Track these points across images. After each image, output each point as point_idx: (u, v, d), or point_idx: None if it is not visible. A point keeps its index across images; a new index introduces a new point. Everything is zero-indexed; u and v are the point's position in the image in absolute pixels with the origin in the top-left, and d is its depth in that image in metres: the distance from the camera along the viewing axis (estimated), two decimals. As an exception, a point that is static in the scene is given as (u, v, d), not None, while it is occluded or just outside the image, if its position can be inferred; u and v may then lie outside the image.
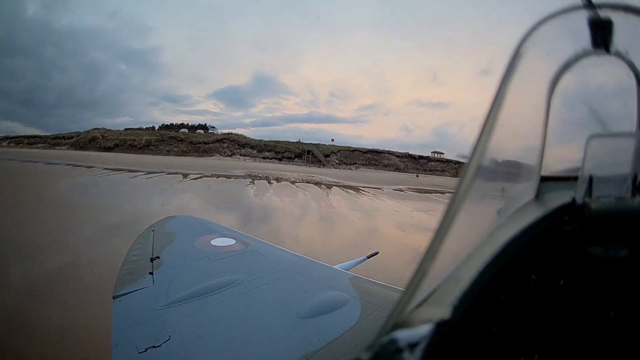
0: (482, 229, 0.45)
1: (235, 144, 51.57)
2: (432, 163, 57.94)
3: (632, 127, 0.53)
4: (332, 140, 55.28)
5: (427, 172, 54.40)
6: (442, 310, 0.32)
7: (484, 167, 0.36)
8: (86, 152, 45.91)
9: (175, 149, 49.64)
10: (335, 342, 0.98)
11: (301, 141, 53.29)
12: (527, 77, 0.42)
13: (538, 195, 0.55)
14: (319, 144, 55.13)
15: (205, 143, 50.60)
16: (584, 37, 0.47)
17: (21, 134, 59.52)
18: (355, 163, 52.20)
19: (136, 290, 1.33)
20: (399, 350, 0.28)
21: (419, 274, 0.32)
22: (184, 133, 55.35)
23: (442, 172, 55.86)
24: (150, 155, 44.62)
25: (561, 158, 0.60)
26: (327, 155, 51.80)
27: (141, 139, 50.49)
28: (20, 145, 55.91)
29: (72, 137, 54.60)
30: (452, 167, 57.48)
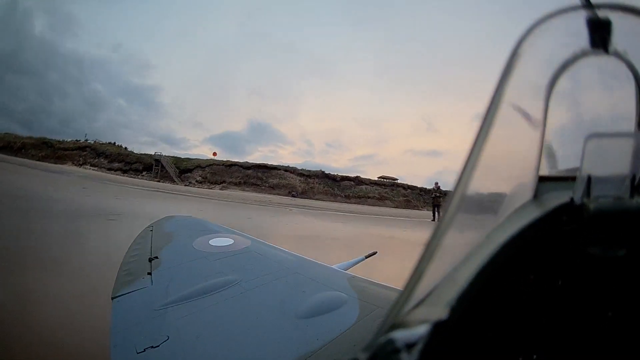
0: (480, 230, 0.44)
1: (94, 153, 44.78)
2: (365, 187, 39.15)
3: (631, 127, 0.52)
4: (215, 154, 42.76)
5: (350, 198, 36.81)
6: (440, 311, 0.32)
7: (481, 168, 0.35)
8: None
9: (40, 153, 46.19)
10: (333, 342, 0.97)
11: (157, 153, 42.63)
12: (525, 77, 0.42)
13: (536, 196, 0.54)
14: (197, 158, 43.50)
15: (64, 149, 45.40)
16: (583, 37, 0.46)
17: None
18: (224, 182, 39.11)
19: (134, 290, 1.29)
20: (397, 351, 0.27)
21: (416, 274, 0.31)
22: (65, 141, 51.46)
23: (380, 200, 37.37)
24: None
25: (559, 158, 0.58)
26: (188, 170, 39.97)
27: (21, 142, 48.87)
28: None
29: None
30: (402, 194, 38.18)
